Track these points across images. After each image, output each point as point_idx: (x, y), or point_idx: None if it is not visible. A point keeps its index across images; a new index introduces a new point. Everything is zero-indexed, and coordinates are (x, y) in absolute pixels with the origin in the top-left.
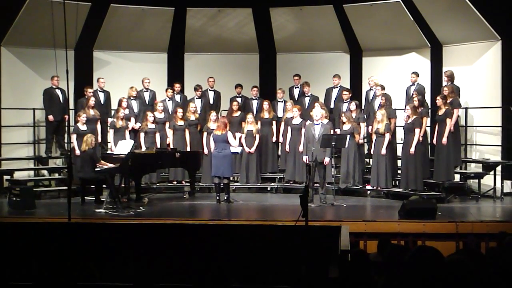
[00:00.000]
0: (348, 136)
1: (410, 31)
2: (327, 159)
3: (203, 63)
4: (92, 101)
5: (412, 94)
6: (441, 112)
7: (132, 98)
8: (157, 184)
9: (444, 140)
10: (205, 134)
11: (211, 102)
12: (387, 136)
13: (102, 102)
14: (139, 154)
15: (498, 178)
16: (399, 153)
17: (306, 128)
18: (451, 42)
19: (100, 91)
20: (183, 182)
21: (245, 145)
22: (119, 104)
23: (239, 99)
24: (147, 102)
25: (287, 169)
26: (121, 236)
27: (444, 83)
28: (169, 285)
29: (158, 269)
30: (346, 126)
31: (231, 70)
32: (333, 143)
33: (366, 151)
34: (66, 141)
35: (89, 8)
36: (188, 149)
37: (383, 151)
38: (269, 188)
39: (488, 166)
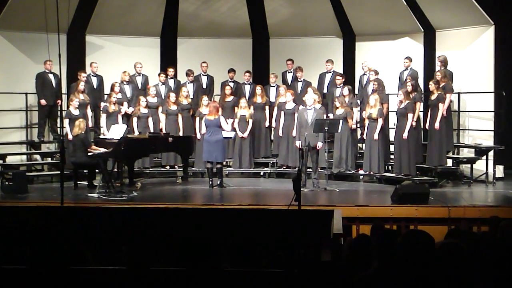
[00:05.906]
0: (341, 121)
1: (403, 15)
2: (319, 144)
3: (196, 47)
4: (81, 86)
5: (406, 79)
6: (433, 97)
7: (124, 82)
8: (150, 169)
9: (437, 125)
10: (197, 119)
11: (204, 87)
12: (380, 121)
13: (95, 87)
14: (132, 139)
15: (491, 163)
16: (392, 138)
17: (299, 113)
18: (444, 27)
19: (93, 76)
20: (176, 166)
21: (238, 130)
22: (112, 89)
23: (231, 84)
24: (139, 87)
25: (280, 154)
26: (114, 220)
27: (437, 68)
28: (162, 269)
29: (151, 253)
30: (339, 111)
31: (224, 54)
32: (326, 128)
33: (359, 136)
34: (58, 125)
35: None
36: (181, 133)
37: (376, 136)
38: (262, 173)
39: (481, 151)
